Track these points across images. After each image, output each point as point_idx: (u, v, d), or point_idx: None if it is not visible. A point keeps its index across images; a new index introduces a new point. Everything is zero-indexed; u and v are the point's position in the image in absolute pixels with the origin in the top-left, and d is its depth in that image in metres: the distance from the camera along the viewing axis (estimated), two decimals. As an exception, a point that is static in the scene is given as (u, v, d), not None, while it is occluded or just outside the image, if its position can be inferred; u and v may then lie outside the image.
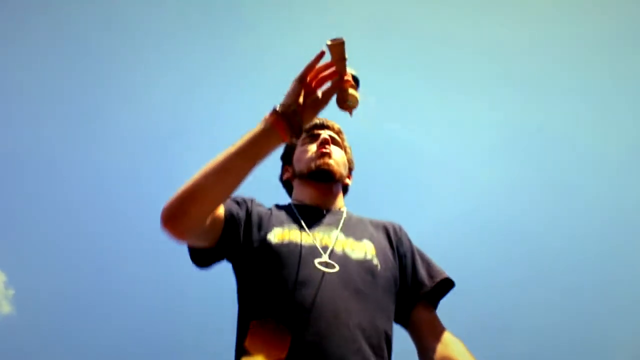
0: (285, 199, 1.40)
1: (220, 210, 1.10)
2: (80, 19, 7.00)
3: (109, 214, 7.22)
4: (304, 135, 1.37)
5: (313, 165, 1.30)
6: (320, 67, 1.01)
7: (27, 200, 7.11)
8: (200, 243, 1.11)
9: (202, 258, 1.14)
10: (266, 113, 1.00)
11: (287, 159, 1.43)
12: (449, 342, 1.13)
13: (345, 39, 0.96)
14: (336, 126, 1.42)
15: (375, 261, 1.14)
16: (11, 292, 6.64)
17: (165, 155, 7.39)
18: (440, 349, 1.12)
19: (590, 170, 6.94)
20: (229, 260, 1.18)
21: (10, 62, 6.75)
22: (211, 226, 1.07)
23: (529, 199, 6.87)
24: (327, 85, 1.03)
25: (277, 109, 0.98)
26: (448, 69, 7.13)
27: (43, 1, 7.20)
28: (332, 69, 1.01)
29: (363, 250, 1.15)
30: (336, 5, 7.29)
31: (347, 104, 1.02)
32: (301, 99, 0.99)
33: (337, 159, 1.34)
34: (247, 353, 0.98)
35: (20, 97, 6.97)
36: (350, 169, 1.44)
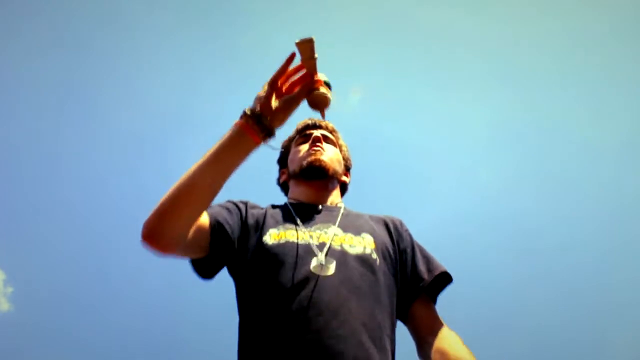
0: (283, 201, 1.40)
1: (204, 220, 1.08)
2: (81, 16, 6.99)
3: (108, 213, 7.22)
4: (297, 136, 1.40)
5: (305, 162, 1.31)
6: (290, 71, 1.01)
7: (27, 198, 7.11)
8: (190, 254, 1.09)
9: (202, 268, 1.13)
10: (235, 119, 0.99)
11: (283, 162, 1.44)
12: (444, 335, 1.13)
13: (314, 37, 0.96)
14: (330, 125, 1.42)
15: (375, 256, 1.13)
16: (10, 289, 6.64)
17: (165, 153, 7.38)
18: (436, 342, 1.12)
19: (590, 164, 6.95)
20: (227, 266, 1.16)
21: (10, 60, 6.73)
22: (196, 237, 1.05)
23: (528, 195, 6.88)
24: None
25: (246, 111, 0.97)
26: (445, 67, 7.14)
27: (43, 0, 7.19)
28: (303, 71, 1.01)
29: (362, 244, 1.14)
30: (335, 4, 7.28)
31: (318, 103, 1.02)
32: (273, 102, 0.98)
33: (329, 155, 1.34)
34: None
35: (20, 96, 6.96)
36: (347, 167, 1.44)
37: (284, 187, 1.44)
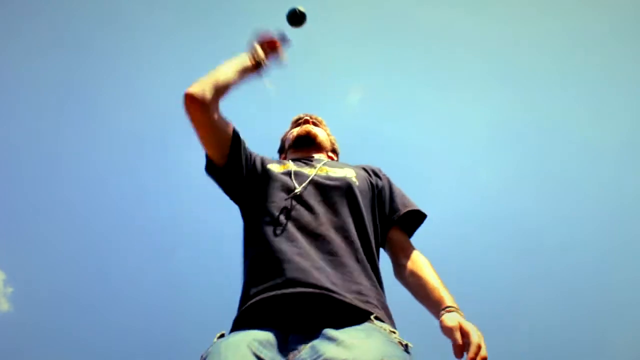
0: None
1: (230, 127, 1.38)
2: (81, 16, 6.99)
3: (107, 213, 7.22)
4: (291, 127, 1.71)
5: (296, 133, 1.63)
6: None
7: (27, 199, 7.11)
8: (213, 146, 1.36)
9: (212, 170, 1.39)
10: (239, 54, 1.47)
11: (282, 150, 1.73)
12: (415, 259, 1.31)
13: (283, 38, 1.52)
14: (319, 118, 1.72)
15: (355, 180, 1.37)
16: (10, 289, 6.64)
17: (164, 152, 7.39)
18: (409, 265, 1.29)
19: (590, 164, 6.95)
20: (237, 192, 1.40)
21: (10, 60, 6.74)
22: (222, 129, 1.35)
23: (528, 195, 6.88)
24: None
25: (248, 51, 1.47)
26: (445, 67, 7.14)
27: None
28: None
29: (344, 173, 1.39)
30: (335, 4, 7.28)
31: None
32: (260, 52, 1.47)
33: (317, 130, 1.64)
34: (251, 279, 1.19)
35: (21, 96, 6.96)
36: (334, 150, 1.71)
37: None
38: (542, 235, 6.64)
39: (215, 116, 1.33)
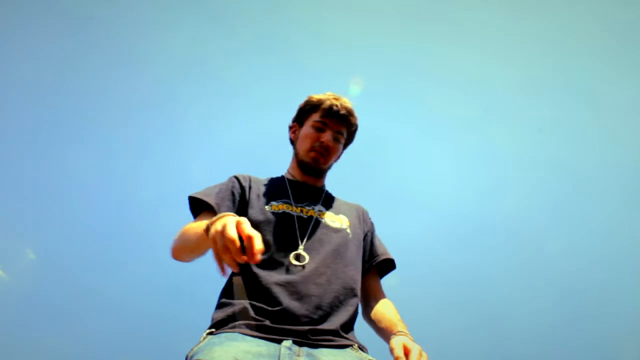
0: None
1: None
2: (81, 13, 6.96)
3: (103, 211, 7.20)
4: (317, 114, 1.58)
5: (307, 159, 1.57)
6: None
7: (22, 194, 7.07)
8: None
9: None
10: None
11: (298, 118, 1.65)
12: (382, 302, 1.47)
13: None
14: (350, 119, 1.59)
15: (349, 231, 1.49)
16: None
17: (162, 151, 7.37)
18: (376, 306, 1.46)
19: (589, 164, 6.94)
20: None
21: (10, 58, 6.70)
22: None
23: (527, 195, 6.88)
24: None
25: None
26: (439, 64, 7.13)
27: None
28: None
29: (340, 222, 1.50)
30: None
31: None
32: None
33: (330, 159, 1.59)
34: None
35: (18, 89, 6.93)
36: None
37: (292, 141, 1.66)
38: (542, 236, 6.64)
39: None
